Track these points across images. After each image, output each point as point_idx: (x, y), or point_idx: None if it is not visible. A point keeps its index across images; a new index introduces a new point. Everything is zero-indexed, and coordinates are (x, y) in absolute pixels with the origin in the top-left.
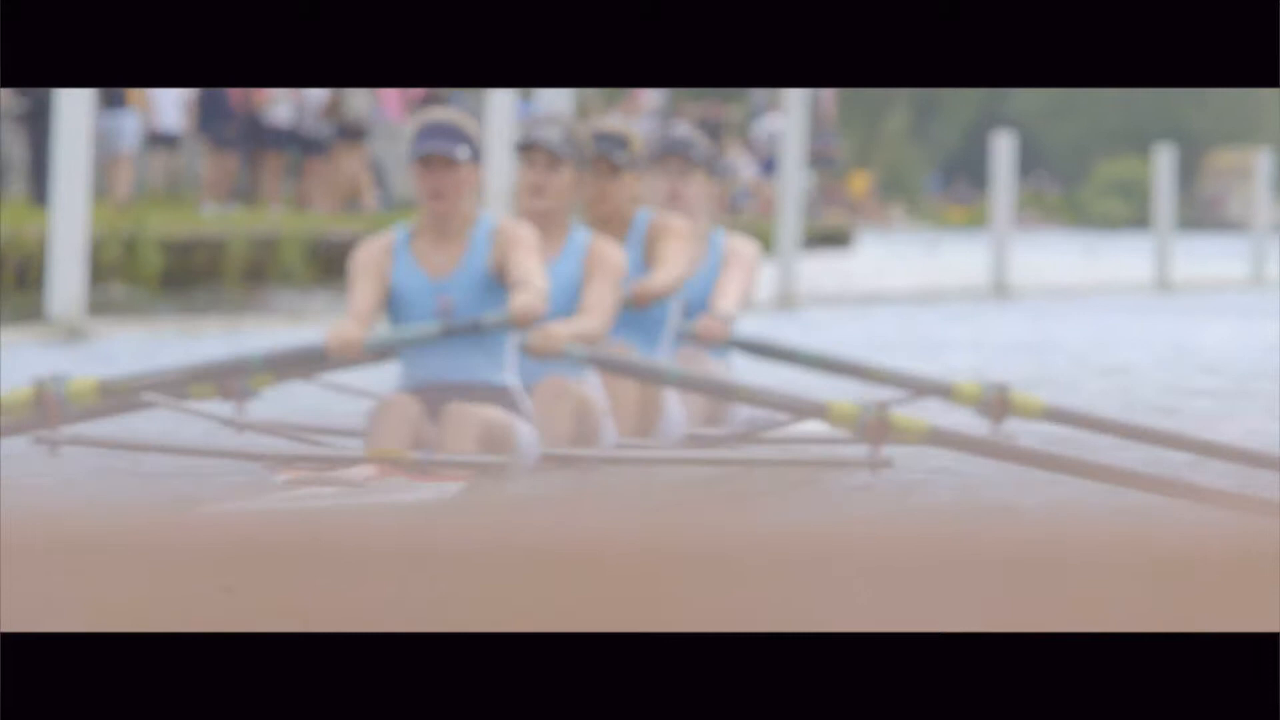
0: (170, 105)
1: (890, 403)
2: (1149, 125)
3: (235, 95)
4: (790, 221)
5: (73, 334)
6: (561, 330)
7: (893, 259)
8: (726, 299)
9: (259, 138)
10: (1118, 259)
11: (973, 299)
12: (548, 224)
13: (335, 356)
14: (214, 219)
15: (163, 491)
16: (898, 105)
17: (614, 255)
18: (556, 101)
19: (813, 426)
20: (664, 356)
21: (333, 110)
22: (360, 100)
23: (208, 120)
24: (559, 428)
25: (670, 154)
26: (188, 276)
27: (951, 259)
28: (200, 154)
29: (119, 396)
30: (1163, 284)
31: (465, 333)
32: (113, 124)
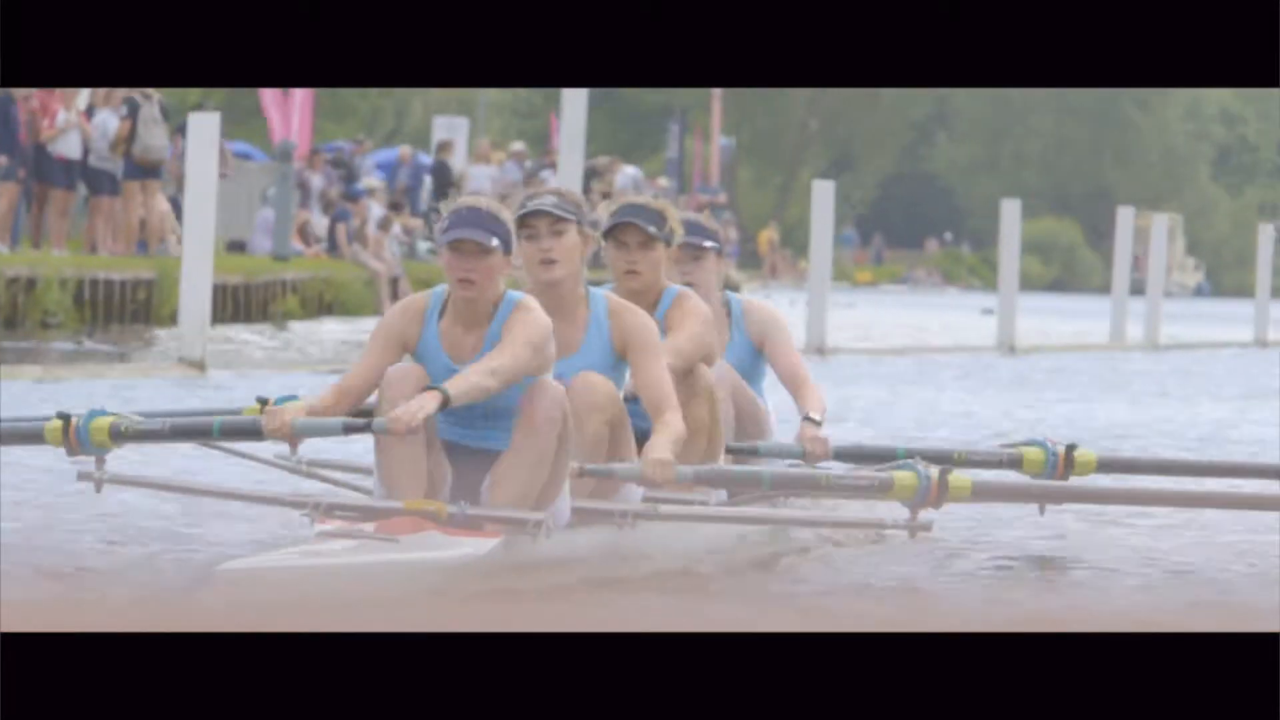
0: None
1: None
2: (1070, 185)
3: (23, 124)
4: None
5: None
6: (668, 453)
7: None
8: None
9: (44, 171)
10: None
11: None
12: (561, 291)
13: (270, 436)
14: None
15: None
16: (811, 159)
17: (650, 326)
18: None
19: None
20: None
21: (122, 144)
22: (157, 136)
23: None
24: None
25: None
26: None
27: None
28: None
29: (124, 439)
30: (1007, 347)
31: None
32: None
